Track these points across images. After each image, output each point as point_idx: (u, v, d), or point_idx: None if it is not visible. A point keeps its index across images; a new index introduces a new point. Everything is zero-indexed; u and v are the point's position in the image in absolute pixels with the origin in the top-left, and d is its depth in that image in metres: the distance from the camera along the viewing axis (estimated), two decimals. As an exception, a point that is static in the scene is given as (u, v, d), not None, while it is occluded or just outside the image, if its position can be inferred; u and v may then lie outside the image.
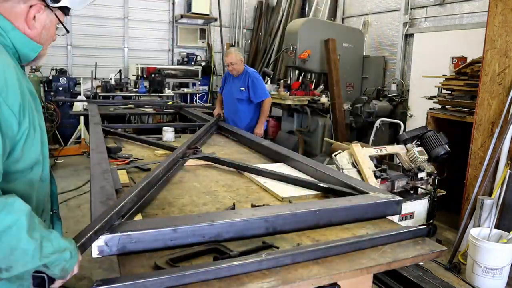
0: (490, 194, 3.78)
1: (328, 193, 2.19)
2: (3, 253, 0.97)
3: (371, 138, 5.74)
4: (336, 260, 1.49)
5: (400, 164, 4.05)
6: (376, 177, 3.69)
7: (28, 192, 1.19)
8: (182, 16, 9.06)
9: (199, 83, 9.21)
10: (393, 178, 3.88)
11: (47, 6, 1.17)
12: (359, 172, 3.68)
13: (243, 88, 4.38)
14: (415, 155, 3.98)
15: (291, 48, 6.68)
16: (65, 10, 1.25)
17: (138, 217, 1.76)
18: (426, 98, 5.32)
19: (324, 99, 6.57)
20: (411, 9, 7.01)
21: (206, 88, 9.48)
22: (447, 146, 4.13)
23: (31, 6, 1.15)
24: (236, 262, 1.34)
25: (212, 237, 1.55)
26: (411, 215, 3.95)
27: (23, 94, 1.13)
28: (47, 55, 1.33)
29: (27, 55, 1.21)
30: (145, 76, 8.13)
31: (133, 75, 8.40)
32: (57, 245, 1.08)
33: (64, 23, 1.27)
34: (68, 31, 1.27)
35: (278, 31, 9.29)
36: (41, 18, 1.18)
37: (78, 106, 7.31)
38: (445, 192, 4.21)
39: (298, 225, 1.72)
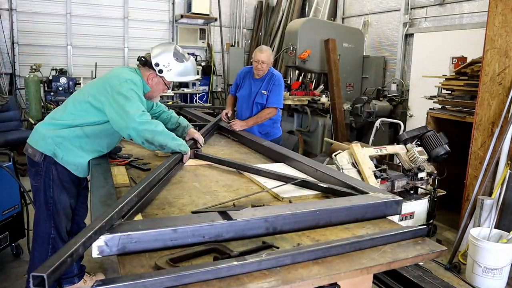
0: (490, 194, 3.77)
1: (328, 193, 2.19)
2: (163, 138, 2.43)
3: (371, 138, 5.74)
4: (336, 260, 1.49)
5: (400, 164, 4.05)
6: (376, 177, 3.69)
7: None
8: (182, 16, 9.07)
9: (199, 83, 9.22)
10: (393, 178, 3.88)
11: (157, 75, 2.63)
12: (359, 172, 3.69)
13: (265, 92, 3.92)
14: (415, 155, 3.98)
15: (291, 48, 6.68)
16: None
17: (138, 217, 1.76)
18: (426, 98, 5.32)
19: (324, 99, 6.57)
20: (411, 9, 7.01)
21: (206, 88, 9.49)
22: (447, 146, 4.13)
23: (150, 74, 2.64)
24: (236, 262, 1.34)
25: (212, 237, 1.55)
26: (411, 215, 3.95)
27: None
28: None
29: (143, 92, 2.64)
30: (145, 76, 8.13)
31: (133, 75, 8.39)
32: (178, 141, 2.51)
33: (168, 85, 2.72)
34: (169, 89, 2.86)
35: (278, 31, 9.30)
36: (154, 79, 2.66)
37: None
38: (445, 192, 4.21)
39: (298, 225, 1.72)
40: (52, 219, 2.59)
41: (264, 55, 3.83)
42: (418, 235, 1.72)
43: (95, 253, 1.41)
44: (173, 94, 8.37)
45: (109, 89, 2.43)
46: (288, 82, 7.08)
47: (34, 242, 2.70)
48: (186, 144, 2.56)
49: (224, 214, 1.64)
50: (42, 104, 7.42)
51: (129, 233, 1.44)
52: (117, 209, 1.54)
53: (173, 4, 9.27)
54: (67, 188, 2.61)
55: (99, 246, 1.40)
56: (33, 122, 6.55)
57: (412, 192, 4.01)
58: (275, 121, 4.13)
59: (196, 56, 9.37)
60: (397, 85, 7.07)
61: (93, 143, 2.56)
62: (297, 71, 7.46)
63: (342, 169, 3.65)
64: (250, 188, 2.31)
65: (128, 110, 2.34)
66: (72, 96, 2.66)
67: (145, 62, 2.61)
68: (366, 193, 2.03)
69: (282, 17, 9.40)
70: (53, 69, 7.72)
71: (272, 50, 9.23)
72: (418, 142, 4.21)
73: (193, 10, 8.82)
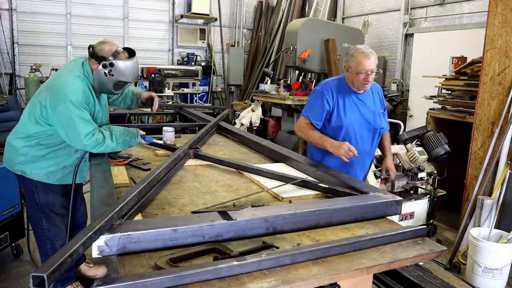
0: (490, 194, 3.77)
1: (328, 193, 2.19)
2: (114, 147, 2.51)
3: (371, 138, 5.73)
4: (336, 260, 1.49)
5: (400, 164, 4.05)
6: (376, 177, 3.69)
7: None
8: (182, 16, 9.06)
9: (199, 83, 9.21)
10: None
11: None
12: (359, 172, 3.68)
13: (382, 111, 2.85)
14: (415, 155, 3.98)
15: (291, 48, 6.68)
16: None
17: (138, 217, 1.76)
18: (426, 98, 5.32)
19: (324, 99, 6.54)
20: (411, 9, 7.01)
21: (206, 88, 9.49)
22: (447, 146, 4.13)
23: (96, 66, 2.51)
24: (236, 262, 1.34)
25: (212, 237, 1.55)
26: (411, 215, 3.95)
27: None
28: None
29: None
30: (145, 76, 8.13)
31: (133, 75, 8.38)
32: (126, 138, 2.55)
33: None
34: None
35: (278, 31, 9.29)
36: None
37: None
38: (445, 192, 4.20)
39: (298, 225, 1.72)
40: (43, 219, 2.64)
41: (373, 60, 2.61)
42: (418, 235, 1.72)
43: (95, 253, 1.41)
44: (173, 94, 8.36)
45: (55, 110, 2.39)
46: (288, 82, 7.08)
47: (36, 243, 2.78)
48: (133, 134, 2.59)
49: (224, 214, 1.64)
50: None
51: (129, 233, 1.44)
52: (117, 209, 1.54)
53: (173, 4, 9.26)
54: (52, 188, 2.63)
55: (99, 246, 1.41)
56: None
57: (412, 192, 4.01)
58: None
59: (196, 56, 9.37)
60: (397, 85, 7.07)
61: (55, 153, 2.57)
62: (297, 71, 7.45)
63: (342, 169, 3.64)
64: (250, 188, 2.31)
65: (75, 135, 2.37)
66: (27, 108, 2.60)
67: (92, 54, 2.51)
68: (366, 193, 2.03)
69: (282, 17, 9.39)
70: (53, 69, 7.69)
71: (272, 50, 9.26)
72: (418, 142, 4.21)
73: (193, 10, 8.81)
